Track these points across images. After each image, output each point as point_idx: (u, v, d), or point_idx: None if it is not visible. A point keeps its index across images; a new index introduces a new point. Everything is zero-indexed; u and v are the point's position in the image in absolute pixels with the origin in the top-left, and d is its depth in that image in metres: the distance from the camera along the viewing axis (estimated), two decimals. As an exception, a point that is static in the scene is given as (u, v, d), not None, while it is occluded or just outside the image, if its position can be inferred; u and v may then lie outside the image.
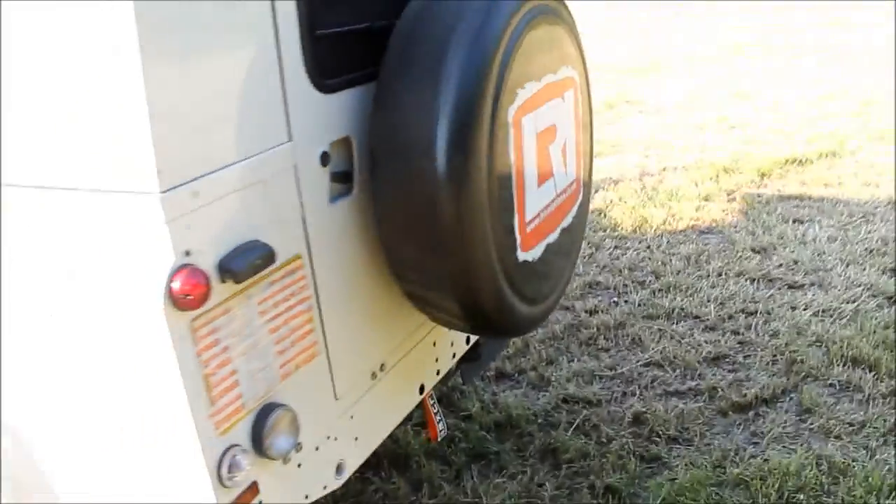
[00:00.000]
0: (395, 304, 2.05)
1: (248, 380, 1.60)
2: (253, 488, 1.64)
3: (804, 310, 4.04)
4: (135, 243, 1.41)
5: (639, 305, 4.19)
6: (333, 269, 1.83)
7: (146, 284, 1.40)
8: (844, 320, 3.92)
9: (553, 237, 2.14)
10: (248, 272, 1.52)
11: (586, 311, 4.14)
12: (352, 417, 1.96)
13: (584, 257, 4.78)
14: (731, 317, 4.03)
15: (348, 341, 1.91)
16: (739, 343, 3.79)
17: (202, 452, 1.50)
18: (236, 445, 1.58)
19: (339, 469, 1.92)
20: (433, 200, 1.69)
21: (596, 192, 5.83)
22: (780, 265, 4.60)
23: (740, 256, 4.73)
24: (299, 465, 1.78)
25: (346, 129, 1.81)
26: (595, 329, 3.95)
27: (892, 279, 4.33)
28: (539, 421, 3.25)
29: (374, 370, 2.04)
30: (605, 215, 5.45)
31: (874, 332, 3.77)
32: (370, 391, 2.03)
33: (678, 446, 3.07)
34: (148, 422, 1.53)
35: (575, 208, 2.31)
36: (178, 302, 1.41)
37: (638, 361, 3.67)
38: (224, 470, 1.55)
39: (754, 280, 4.43)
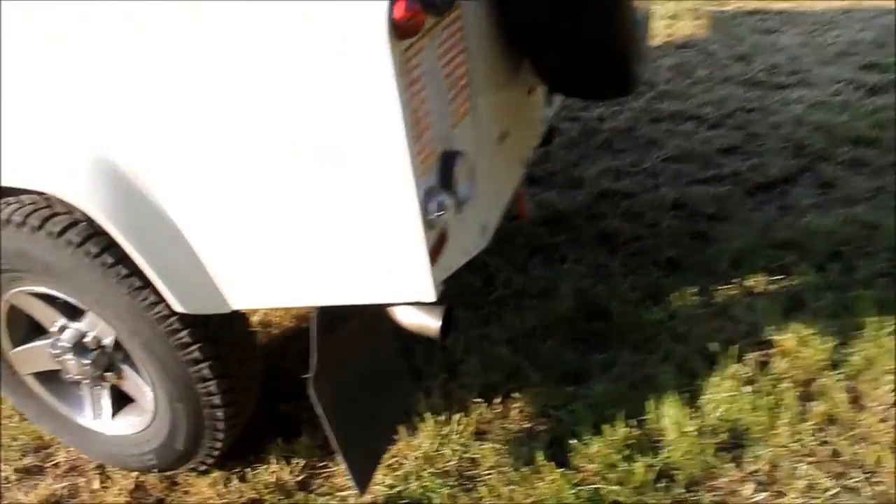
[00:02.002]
0: (511, 76, 2.15)
1: (436, 121, 1.66)
2: (443, 234, 1.71)
3: (797, 104, 4.27)
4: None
5: (641, 111, 4.34)
6: (474, 31, 1.88)
7: (368, 13, 1.41)
8: (836, 110, 4.17)
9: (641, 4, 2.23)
10: (444, 6, 1.56)
11: (594, 119, 4.27)
12: (488, 180, 2.04)
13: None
14: (731, 115, 4.23)
15: (485, 101, 1.97)
16: (746, 135, 4.00)
17: (415, 187, 1.55)
18: (435, 186, 1.65)
19: (483, 230, 2.01)
20: None
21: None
22: (762, 69, 4.81)
23: (723, 64, 4.92)
24: (463, 220, 1.86)
25: None
26: (608, 133, 4.10)
27: (869, 73, 4.60)
28: (584, 213, 3.41)
29: (498, 136, 2.12)
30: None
31: (867, 116, 4.04)
32: (497, 156, 2.11)
33: (719, 223, 3.29)
34: (360, 160, 1.55)
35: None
36: (398, 28, 1.42)
37: (657, 157, 3.85)
38: (432, 207, 1.62)
39: (742, 83, 4.63)
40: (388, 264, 1.65)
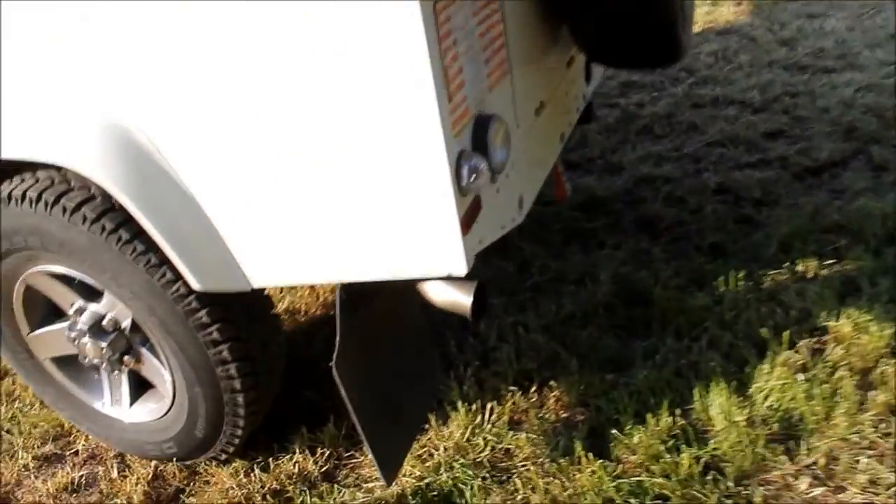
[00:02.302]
0: (550, 44, 2.06)
1: (470, 81, 1.55)
2: (477, 203, 1.60)
3: (846, 87, 4.09)
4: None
5: (682, 97, 4.18)
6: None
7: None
8: (888, 92, 3.98)
9: None
10: None
11: (633, 105, 4.12)
12: (525, 151, 1.93)
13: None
14: (776, 99, 4.06)
15: (523, 68, 1.87)
16: (793, 119, 3.83)
17: (446, 148, 1.43)
18: (468, 149, 1.54)
19: (520, 203, 1.90)
20: None
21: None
22: (808, 54, 4.62)
23: (766, 49, 4.74)
24: (498, 191, 1.75)
25: None
26: (648, 119, 3.95)
27: (922, 55, 4.40)
28: (624, 198, 3.27)
29: (536, 106, 2.01)
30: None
31: (921, 98, 3.85)
32: (534, 127, 2.00)
33: (766, 208, 3.12)
34: (388, 121, 1.44)
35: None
36: None
37: (700, 142, 3.69)
38: (464, 172, 1.50)
39: (787, 68, 4.44)
40: (416, 235, 1.53)
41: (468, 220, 1.54)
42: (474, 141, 1.57)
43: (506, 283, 2.79)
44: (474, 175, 1.51)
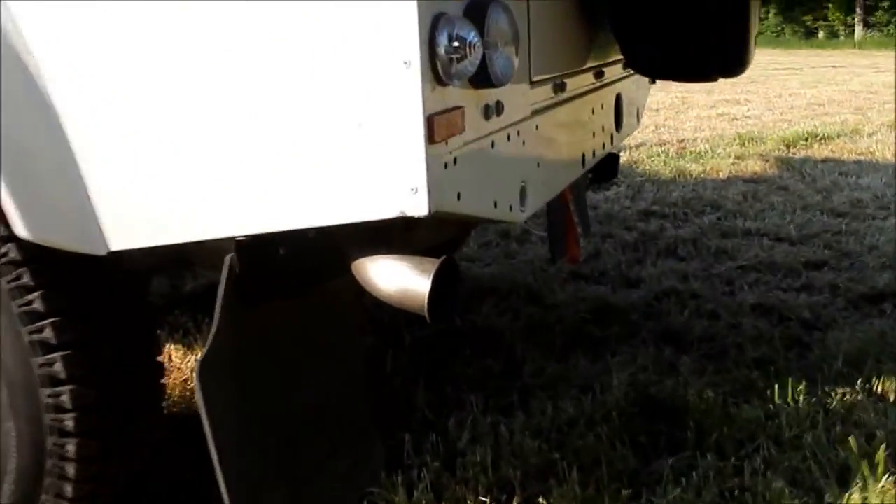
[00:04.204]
0: (583, 31, 1.74)
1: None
2: (457, 114, 1.04)
3: (894, 231, 3.59)
4: None
5: (709, 227, 3.68)
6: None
7: None
8: (943, 239, 3.48)
9: None
10: None
11: (654, 229, 3.61)
12: (537, 128, 1.40)
13: (630, 194, 4.27)
14: (815, 235, 3.55)
15: (545, 27, 1.44)
16: (837, 253, 3.30)
17: None
18: (451, 15, 1.01)
19: (522, 194, 1.33)
20: None
21: (620, 151, 5.39)
22: (845, 202, 4.17)
23: (800, 195, 4.30)
24: (493, 145, 1.19)
25: None
26: (670, 241, 3.43)
27: (976, 210, 3.93)
28: (644, 310, 2.67)
29: (556, 80, 1.55)
30: (638, 166, 4.99)
31: None
32: (552, 110, 1.50)
33: (817, 331, 2.52)
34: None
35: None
36: None
37: (731, 265, 3.14)
38: (442, 39, 0.97)
39: (823, 212, 3.97)
40: (357, 142, 0.99)
41: (440, 129, 0.97)
42: (468, 11, 1.05)
43: (488, 382, 2.14)
44: (457, 46, 0.96)
